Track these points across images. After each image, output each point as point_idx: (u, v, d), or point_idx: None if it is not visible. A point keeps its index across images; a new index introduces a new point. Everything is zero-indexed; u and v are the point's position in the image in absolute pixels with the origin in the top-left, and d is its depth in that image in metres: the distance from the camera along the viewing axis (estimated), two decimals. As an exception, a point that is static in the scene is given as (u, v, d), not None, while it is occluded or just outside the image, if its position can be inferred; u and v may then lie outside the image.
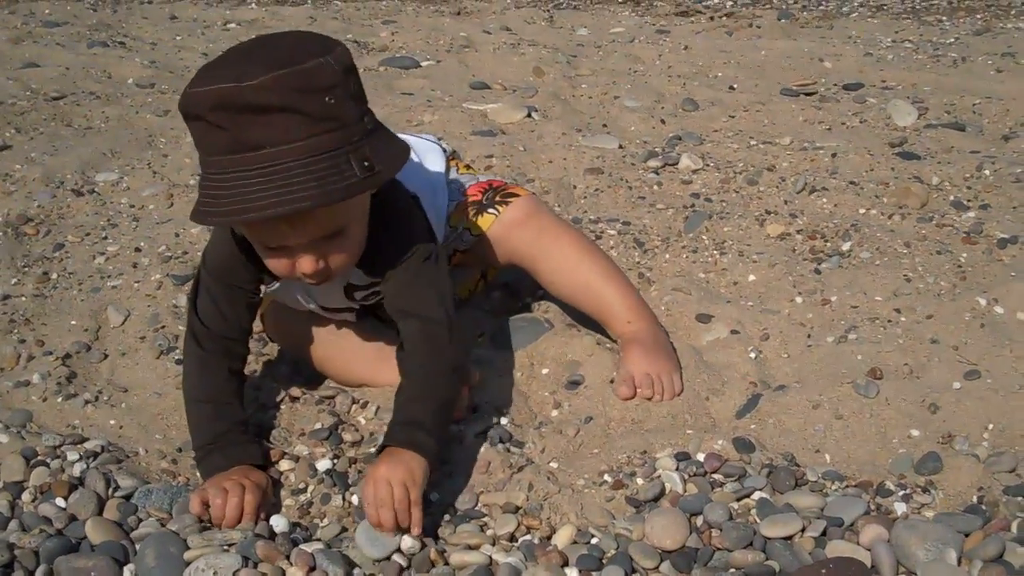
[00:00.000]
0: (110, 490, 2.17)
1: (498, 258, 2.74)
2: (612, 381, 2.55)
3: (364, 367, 2.60)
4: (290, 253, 2.14)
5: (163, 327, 2.87)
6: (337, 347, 2.62)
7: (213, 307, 2.34)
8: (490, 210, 2.69)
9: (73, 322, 2.88)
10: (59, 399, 2.54)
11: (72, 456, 2.26)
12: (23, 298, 3.01)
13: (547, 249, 2.67)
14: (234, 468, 2.21)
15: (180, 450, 2.39)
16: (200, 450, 2.28)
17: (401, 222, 2.34)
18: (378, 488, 1.99)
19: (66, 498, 2.12)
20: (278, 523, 2.07)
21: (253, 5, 8.01)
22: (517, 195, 2.72)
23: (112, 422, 2.48)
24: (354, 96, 2.07)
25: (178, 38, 6.45)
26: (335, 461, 2.30)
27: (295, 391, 2.59)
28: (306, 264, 2.14)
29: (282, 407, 2.52)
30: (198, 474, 2.28)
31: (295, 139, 1.96)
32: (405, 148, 2.20)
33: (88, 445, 2.31)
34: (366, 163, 2.04)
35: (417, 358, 2.26)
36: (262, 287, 2.39)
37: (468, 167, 2.93)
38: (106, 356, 2.76)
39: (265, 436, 2.40)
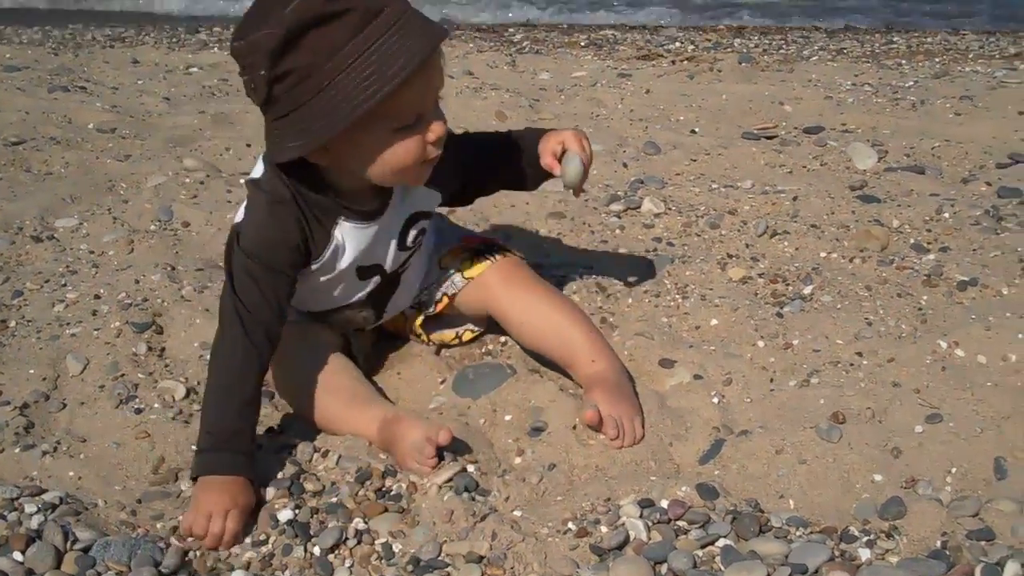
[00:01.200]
0: (68, 543, 2.14)
1: (478, 305, 2.89)
2: (575, 427, 2.54)
3: (349, 413, 2.59)
4: (420, 124, 2.33)
5: (122, 375, 2.84)
6: (332, 394, 2.63)
7: (255, 289, 2.42)
8: (486, 256, 2.87)
9: (32, 371, 2.84)
10: (17, 450, 2.51)
11: (30, 508, 2.23)
12: (-20, 347, 2.98)
13: (523, 297, 2.82)
14: (228, 479, 2.27)
15: (140, 501, 2.37)
16: (210, 436, 2.34)
17: None
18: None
19: (23, 551, 2.09)
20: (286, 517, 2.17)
21: (216, 49, 8.01)
22: (510, 252, 2.93)
23: (71, 473, 2.45)
24: None
25: (140, 82, 6.44)
26: (296, 511, 2.27)
27: (256, 439, 2.56)
28: (438, 126, 2.36)
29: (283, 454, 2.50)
30: (168, 506, 2.31)
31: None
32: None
33: (46, 497, 2.28)
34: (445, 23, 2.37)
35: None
36: (313, 262, 2.53)
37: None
38: (64, 405, 2.73)
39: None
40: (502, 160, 2.77)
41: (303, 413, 2.67)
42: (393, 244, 2.66)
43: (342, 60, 2.17)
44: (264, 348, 2.42)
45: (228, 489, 2.25)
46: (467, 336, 3.03)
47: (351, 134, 2.27)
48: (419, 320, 2.97)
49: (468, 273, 2.86)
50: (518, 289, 2.83)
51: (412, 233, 2.69)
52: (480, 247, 2.92)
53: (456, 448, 2.43)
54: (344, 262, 2.58)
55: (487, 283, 2.84)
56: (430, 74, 2.30)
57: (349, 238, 2.54)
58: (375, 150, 2.35)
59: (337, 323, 2.83)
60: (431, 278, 2.90)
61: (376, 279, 2.71)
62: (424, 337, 3.00)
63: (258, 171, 2.52)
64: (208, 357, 2.50)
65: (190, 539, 2.19)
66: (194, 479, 2.33)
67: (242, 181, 2.48)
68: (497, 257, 2.88)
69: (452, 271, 2.88)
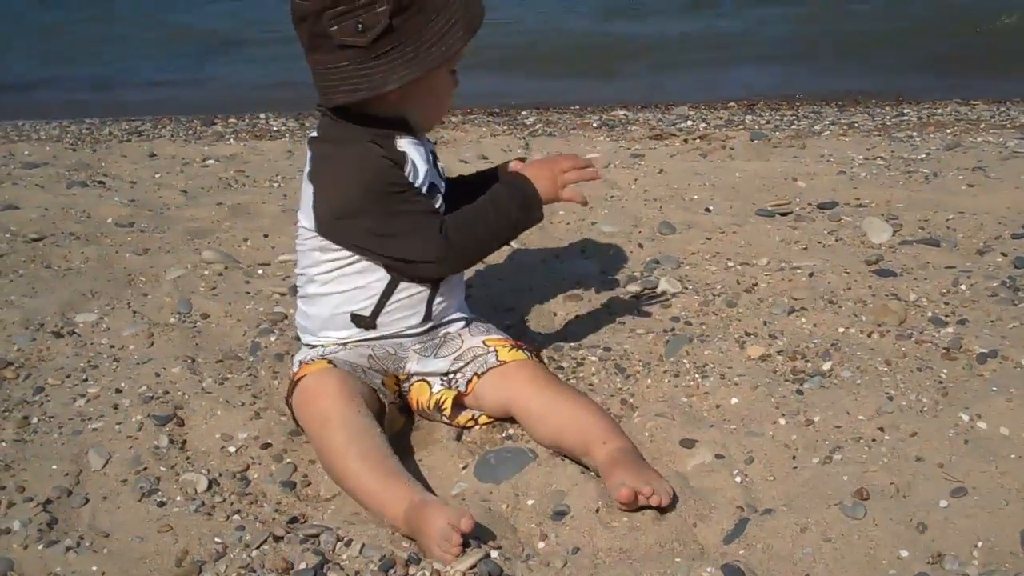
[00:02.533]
0: (92, 639, 2.14)
1: (499, 395, 2.98)
2: (598, 511, 2.54)
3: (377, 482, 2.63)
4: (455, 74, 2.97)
5: (144, 469, 2.84)
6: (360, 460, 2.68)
7: (418, 200, 2.91)
8: (524, 350, 3.08)
9: (54, 466, 2.85)
10: (40, 546, 2.51)
11: (53, 605, 2.23)
12: (3, 443, 2.98)
13: (544, 391, 2.92)
14: None
15: (163, 595, 2.37)
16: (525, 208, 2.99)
17: None
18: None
19: (48, 649, 2.09)
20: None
21: (232, 140, 8.09)
22: (537, 353, 3.22)
23: (94, 568, 2.45)
24: None
25: (157, 176, 6.50)
26: (321, 602, 2.27)
27: (278, 530, 2.56)
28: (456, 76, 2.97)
29: (266, 546, 2.49)
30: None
31: None
32: None
33: (70, 594, 2.29)
34: None
35: None
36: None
37: None
38: (87, 500, 2.73)
39: None
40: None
41: (335, 474, 2.73)
42: (437, 167, 3.07)
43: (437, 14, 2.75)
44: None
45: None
46: (483, 419, 3.05)
47: (437, 70, 2.81)
48: (451, 398, 3.01)
49: (503, 356, 3.01)
50: (542, 384, 2.94)
51: (440, 164, 3.13)
52: (515, 344, 3.11)
53: (479, 534, 2.43)
54: (420, 174, 2.94)
55: (516, 373, 2.98)
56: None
57: (410, 150, 2.94)
58: (439, 86, 2.92)
59: (390, 328, 3.04)
60: (472, 353, 3.06)
61: (439, 198, 3.02)
62: (448, 412, 3.03)
63: (313, 132, 3.05)
64: (230, 448, 2.57)
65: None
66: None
67: (309, 137, 3.02)
68: (533, 356, 3.09)
69: (491, 351, 3.04)
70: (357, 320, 3.00)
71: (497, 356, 3.02)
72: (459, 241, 2.88)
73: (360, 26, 2.68)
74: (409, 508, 2.49)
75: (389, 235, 2.85)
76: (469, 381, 3.00)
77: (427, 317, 3.05)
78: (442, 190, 3.04)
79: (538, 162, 3.06)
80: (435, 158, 3.09)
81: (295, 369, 3.00)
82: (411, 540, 2.46)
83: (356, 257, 2.92)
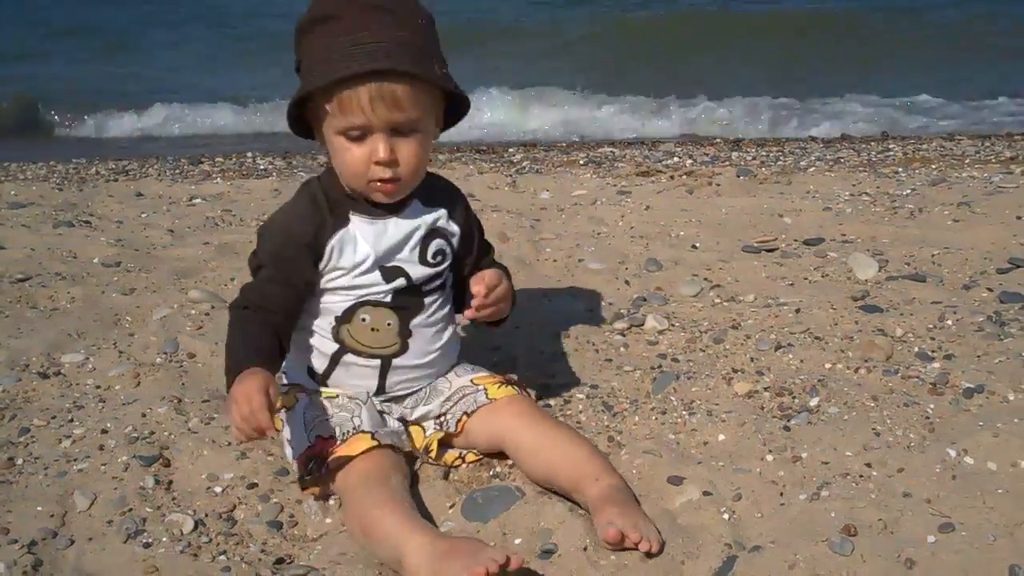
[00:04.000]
0: None
1: (488, 432, 2.98)
2: (586, 549, 2.53)
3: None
4: (371, 140, 2.71)
5: (130, 510, 2.83)
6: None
7: (271, 286, 2.87)
8: (514, 387, 3.08)
9: (39, 508, 2.84)
10: (25, 588, 2.50)
11: (38, 649, 2.22)
12: (-12, 485, 2.97)
13: (535, 428, 2.92)
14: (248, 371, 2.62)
15: (149, 637, 2.35)
16: (230, 375, 2.70)
17: (447, 183, 3.13)
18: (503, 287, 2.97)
19: None
20: None
21: (218, 180, 8.08)
22: (528, 391, 3.23)
23: (79, 610, 2.44)
24: (434, 39, 2.79)
25: (144, 215, 6.49)
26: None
27: (265, 571, 2.56)
28: (382, 148, 2.70)
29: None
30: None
31: (396, 29, 2.66)
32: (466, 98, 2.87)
33: (55, 637, 2.27)
34: (444, 71, 2.73)
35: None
36: (323, 253, 2.87)
37: None
38: (72, 542, 2.71)
39: None
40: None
41: (353, 511, 2.71)
42: (414, 253, 2.96)
43: (312, 44, 2.71)
44: (274, 316, 2.84)
45: (248, 374, 2.60)
46: (470, 457, 3.04)
47: (323, 123, 2.76)
48: (438, 437, 3.01)
49: (492, 394, 3.02)
50: (532, 420, 2.95)
51: (432, 248, 2.99)
52: (504, 381, 3.10)
53: None
54: (359, 252, 2.87)
55: (505, 408, 2.98)
56: (380, 96, 2.64)
57: (360, 231, 2.88)
58: (334, 148, 2.77)
59: (363, 339, 2.97)
60: (460, 392, 3.06)
61: (401, 280, 2.94)
62: (434, 454, 3.01)
63: None
64: (216, 488, 2.58)
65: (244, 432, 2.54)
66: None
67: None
68: (522, 392, 3.11)
69: (480, 389, 3.04)
70: (312, 374, 3.04)
71: (487, 394, 3.02)
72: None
73: None
74: (431, 539, 2.48)
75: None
76: (459, 420, 3.00)
77: (380, 388, 3.04)
78: (411, 276, 2.96)
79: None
80: (426, 243, 2.98)
81: (315, 438, 2.91)
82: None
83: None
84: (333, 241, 2.86)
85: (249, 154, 9.82)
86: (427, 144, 2.81)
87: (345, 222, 2.87)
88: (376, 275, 2.91)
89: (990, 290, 4.15)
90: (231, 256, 5.23)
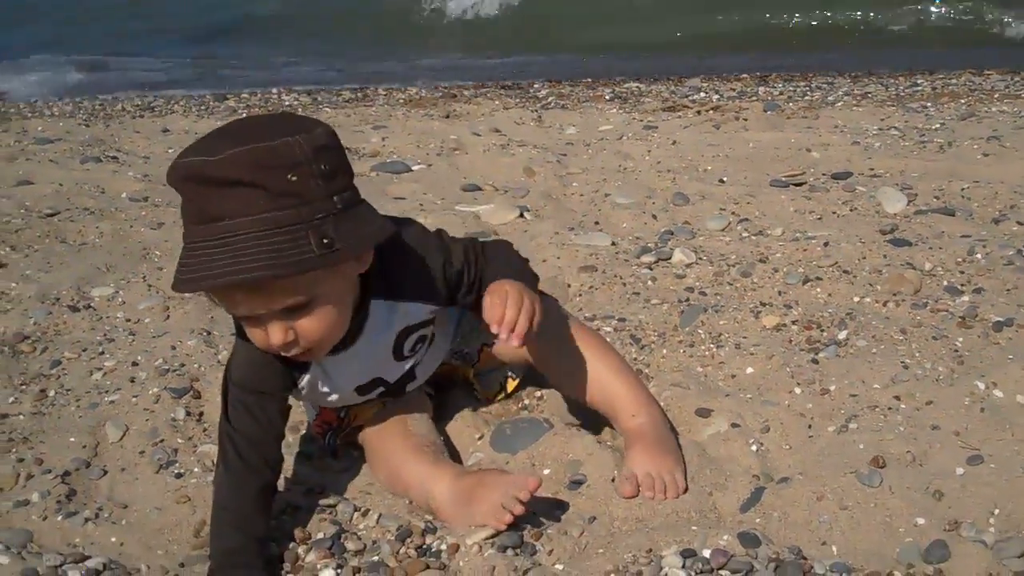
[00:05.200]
0: (112, 608, 2.15)
1: (514, 354, 2.83)
2: (614, 480, 2.54)
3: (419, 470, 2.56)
4: (261, 322, 2.21)
5: (162, 441, 2.85)
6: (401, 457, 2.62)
7: (247, 416, 2.40)
8: None
9: (72, 439, 2.86)
10: (59, 517, 2.52)
11: (73, 575, 2.24)
12: (21, 416, 3.00)
13: (563, 349, 2.73)
14: None
15: (182, 564, 2.38)
16: (212, 559, 2.31)
17: (410, 250, 2.49)
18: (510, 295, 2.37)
19: (69, 618, 2.11)
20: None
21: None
22: (542, 295, 2.72)
23: (113, 539, 2.46)
24: (324, 175, 2.11)
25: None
26: (339, 571, 2.28)
27: (296, 500, 2.57)
28: (274, 334, 2.21)
29: (284, 517, 2.51)
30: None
31: (253, 212, 2.04)
32: (381, 228, 2.25)
33: (89, 563, 2.30)
34: (325, 240, 2.08)
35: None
36: (296, 389, 2.50)
37: None
38: (105, 472, 2.74)
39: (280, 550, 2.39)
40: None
41: (378, 463, 2.69)
42: (389, 359, 2.59)
43: (186, 235, 2.12)
44: (260, 467, 2.40)
45: None
46: (511, 386, 3.01)
47: None
48: (470, 372, 2.98)
49: None
50: (555, 340, 2.74)
51: (408, 344, 2.60)
52: None
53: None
54: (330, 387, 2.56)
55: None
56: (253, 292, 2.13)
57: (329, 367, 2.50)
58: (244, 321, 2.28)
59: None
60: (467, 326, 2.88)
61: (380, 389, 2.68)
62: (477, 387, 3.00)
63: None
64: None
65: None
66: None
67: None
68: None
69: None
70: None
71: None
72: (215, 485, 2.43)
73: None
74: (455, 476, 2.48)
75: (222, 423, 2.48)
76: (480, 351, 2.94)
77: (401, 395, 2.81)
78: (390, 381, 2.67)
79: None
80: (400, 343, 2.58)
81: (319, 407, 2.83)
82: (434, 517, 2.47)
83: None
84: (303, 383, 2.51)
85: (274, 90, 9.79)
86: (334, 308, 2.28)
87: (306, 366, 2.48)
88: (353, 395, 2.66)
89: (1020, 224, 4.13)
90: (258, 191, 5.22)
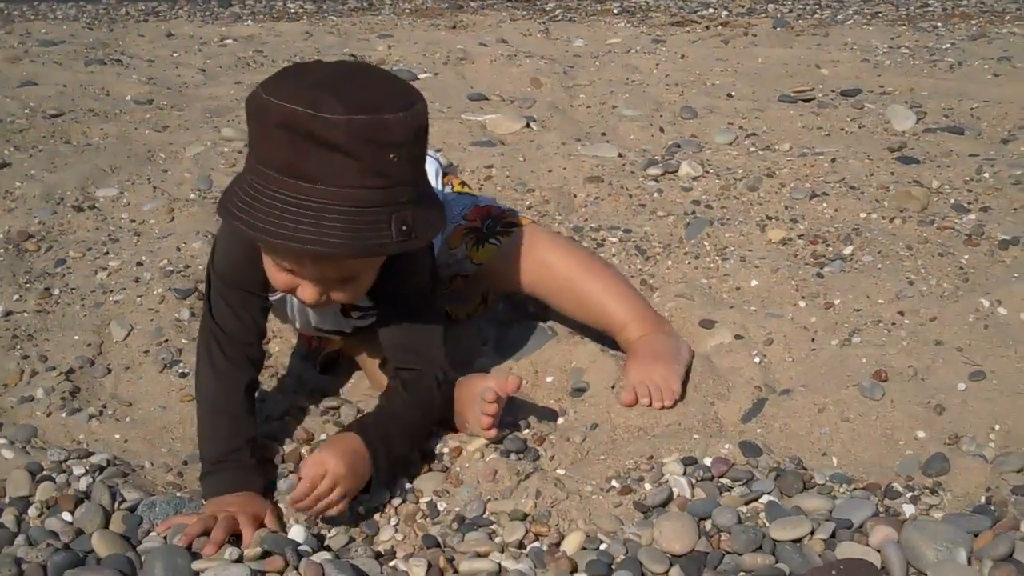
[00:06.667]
0: (116, 503, 2.16)
1: (500, 285, 2.80)
2: (614, 387, 2.55)
3: None
4: (297, 278, 2.13)
5: (166, 341, 2.86)
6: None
7: (228, 311, 2.32)
8: (491, 240, 2.68)
9: (76, 337, 2.87)
10: (63, 414, 2.53)
11: (78, 470, 2.25)
12: (25, 314, 3.00)
13: (548, 277, 2.67)
14: (235, 495, 2.20)
15: (186, 463, 2.39)
16: (207, 463, 2.27)
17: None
18: (314, 472, 2.07)
19: (72, 512, 2.12)
20: (297, 533, 2.06)
21: (249, 22, 8.02)
22: (516, 225, 2.71)
23: (117, 436, 2.48)
24: (416, 158, 2.05)
25: (175, 55, 6.45)
26: (341, 471, 2.29)
27: (300, 402, 2.59)
28: (307, 293, 2.14)
29: (287, 418, 2.52)
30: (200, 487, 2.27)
31: (343, 184, 1.94)
32: (442, 213, 2.19)
33: (93, 459, 2.30)
34: (404, 227, 2.02)
35: (406, 397, 2.31)
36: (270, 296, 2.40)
37: (463, 184, 2.96)
38: (109, 371, 2.75)
39: (270, 453, 2.40)
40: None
41: (373, 379, 2.67)
42: (340, 317, 2.52)
43: (258, 174, 2.00)
44: (244, 365, 2.35)
45: (235, 501, 2.18)
46: (492, 299, 2.96)
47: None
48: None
49: (477, 259, 2.69)
50: (538, 269, 2.67)
51: (356, 314, 2.52)
52: (485, 225, 2.71)
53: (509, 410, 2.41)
54: (292, 316, 2.52)
55: (499, 271, 2.69)
56: (317, 259, 2.07)
57: (293, 303, 2.45)
58: (266, 260, 2.19)
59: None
60: (439, 259, 2.65)
61: (336, 337, 2.66)
62: (449, 309, 2.85)
63: None
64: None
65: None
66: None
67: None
68: (502, 240, 2.68)
69: (460, 256, 2.71)
70: None
71: (472, 261, 2.70)
72: (198, 379, 2.39)
73: None
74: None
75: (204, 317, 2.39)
76: (452, 278, 2.78)
77: None
78: (347, 331, 2.61)
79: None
80: (362, 316, 2.51)
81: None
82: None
83: None
84: (275, 296, 2.40)
85: (280, -3, 9.73)
86: (369, 279, 2.23)
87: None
88: (311, 329, 2.60)
89: (1029, 144, 4.11)
90: (263, 96, 5.19)
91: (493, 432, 2.31)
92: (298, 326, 2.58)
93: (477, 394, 2.32)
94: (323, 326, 2.55)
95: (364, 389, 2.70)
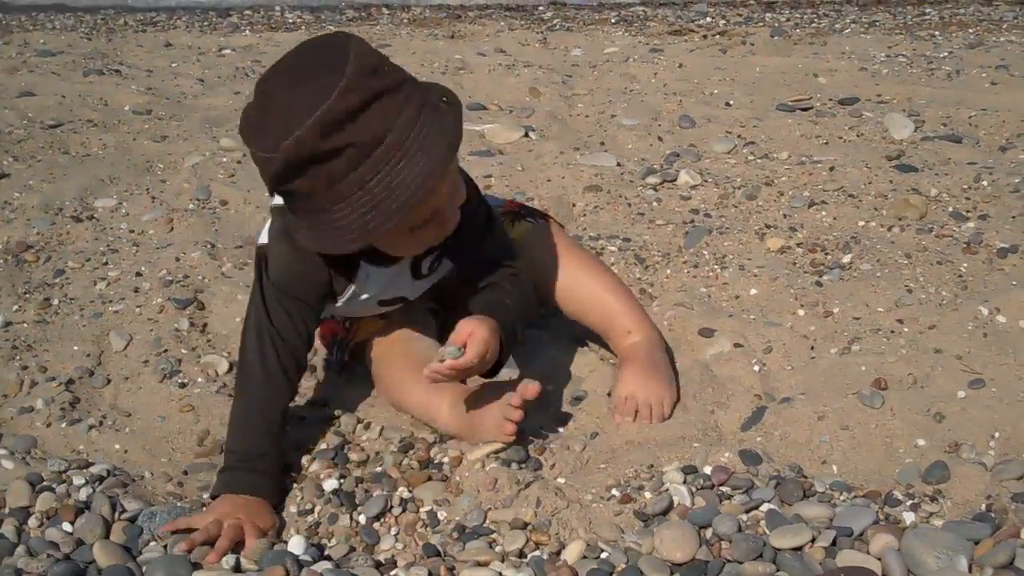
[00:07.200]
0: (116, 514, 2.16)
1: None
2: (610, 394, 2.56)
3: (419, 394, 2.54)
4: (434, 218, 2.21)
5: (165, 351, 2.86)
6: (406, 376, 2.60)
7: (286, 318, 2.36)
8: (528, 219, 2.82)
9: (75, 347, 2.87)
10: (63, 424, 2.53)
11: (78, 481, 2.25)
12: (25, 324, 3.00)
13: (565, 263, 2.75)
14: (248, 498, 2.21)
15: (186, 472, 2.39)
16: (233, 456, 2.29)
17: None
18: (483, 350, 2.26)
19: (72, 522, 2.11)
20: (295, 544, 2.06)
21: (247, 32, 8.04)
22: (550, 218, 2.89)
23: (117, 446, 2.48)
24: (384, 60, 2.14)
25: (173, 65, 6.46)
26: (342, 481, 2.29)
27: (300, 411, 2.59)
28: (452, 221, 2.26)
29: (288, 427, 2.52)
30: (214, 477, 2.29)
31: (395, 114, 2.04)
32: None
33: (93, 470, 2.31)
34: (444, 98, 2.14)
35: (509, 288, 2.51)
36: (338, 299, 2.48)
37: None
38: (109, 381, 2.75)
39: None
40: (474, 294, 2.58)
41: (383, 386, 2.68)
42: (409, 278, 2.56)
43: (342, 191, 2.05)
44: (293, 373, 2.39)
45: (246, 506, 2.19)
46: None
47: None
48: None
49: (513, 233, 2.76)
50: (558, 256, 2.77)
51: (426, 263, 2.56)
52: (522, 210, 2.88)
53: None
54: (366, 296, 2.54)
55: (528, 246, 2.75)
56: (440, 184, 2.14)
57: (372, 277, 2.48)
58: (392, 243, 2.28)
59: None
60: None
61: (399, 304, 2.67)
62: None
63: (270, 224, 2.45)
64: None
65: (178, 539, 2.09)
66: (213, 497, 2.27)
67: (271, 204, 2.36)
68: (539, 221, 2.84)
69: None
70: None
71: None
72: (238, 373, 2.43)
73: (264, 181, 2.21)
74: (458, 395, 2.46)
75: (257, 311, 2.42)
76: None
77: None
78: (410, 298, 2.65)
79: None
80: (418, 261, 2.54)
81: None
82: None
83: None
84: (348, 292, 2.48)
85: (277, 7, 9.73)
86: (457, 186, 2.31)
87: (355, 270, 2.44)
88: (375, 308, 2.64)
89: (1026, 152, 4.12)
90: (262, 106, 5.20)
91: (513, 437, 2.33)
92: (364, 301, 2.56)
93: (495, 401, 2.35)
94: (397, 294, 2.59)
95: (365, 399, 2.70)
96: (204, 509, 2.22)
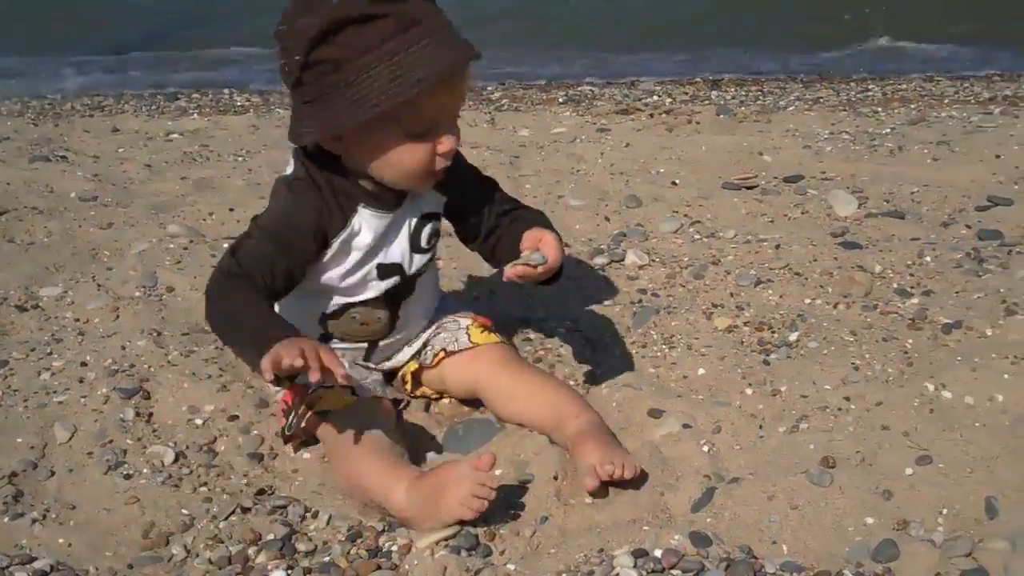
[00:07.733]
0: (60, 610, 2.13)
1: (466, 376, 2.92)
2: (556, 477, 2.55)
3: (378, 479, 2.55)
4: (432, 135, 2.49)
5: (111, 441, 2.82)
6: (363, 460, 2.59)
7: (259, 258, 2.54)
8: (496, 334, 2.98)
9: (19, 440, 2.83)
10: (6, 518, 2.49)
11: (20, 576, 2.22)
12: (-33, 417, 2.97)
13: (514, 373, 2.88)
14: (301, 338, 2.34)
15: (131, 566, 2.36)
16: (261, 333, 2.37)
17: None
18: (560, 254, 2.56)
19: (15, 620, 2.08)
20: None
21: (195, 115, 8.03)
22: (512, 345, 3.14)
23: (60, 540, 2.44)
24: None
25: (120, 150, 6.43)
26: (289, 572, 2.27)
27: (246, 501, 2.56)
28: (450, 139, 2.50)
29: (233, 518, 2.50)
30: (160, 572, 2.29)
31: (433, 12, 2.41)
32: None
33: (37, 565, 2.28)
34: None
35: (527, 213, 2.81)
36: (330, 242, 2.64)
37: None
38: (53, 473, 2.71)
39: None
40: (504, 224, 2.81)
41: (337, 462, 2.68)
42: (407, 243, 2.76)
43: (370, 60, 2.32)
44: (263, 290, 2.52)
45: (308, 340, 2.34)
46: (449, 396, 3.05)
47: (366, 130, 2.44)
48: (412, 369, 2.99)
49: (475, 338, 2.93)
50: (510, 367, 2.90)
51: (425, 233, 2.79)
52: (490, 328, 3.00)
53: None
54: (359, 250, 2.68)
55: (487, 355, 2.91)
56: (453, 88, 2.46)
57: (367, 225, 2.66)
58: (385, 149, 2.50)
59: (351, 331, 2.86)
60: (443, 322, 3.00)
61: (396, 279, 2.78)
62: (409, 387, 3.01)
63: (289, 168, 2.68)
64: (197, 421, 2.56)
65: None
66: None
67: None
68: (505, 341, 3.01)
69: (462, 329, 2.96)
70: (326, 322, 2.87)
71: (469, 337, 2.93)
72: (213, 306, 2.57)
73: (287, 69, 2.46)
74: (416, 477, 2.48)
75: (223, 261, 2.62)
76: (436, 355, 2.94)
77: (366, 359, 2.97)
78: (406, 271, 2.80)
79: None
80: (419, 229, 2.79)
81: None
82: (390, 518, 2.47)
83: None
84: (343, 233, 2.64)
85: (226, 90, 9.75)
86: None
87: (352, 213, 2.63)
88: (372, 274, 2.75)
89: (968, 227, 4.16)
90: (209, 191, 5.20)
91: (478, 514, 2.35)
92: (360, 263, 2.71)
93: (453, 478, 2.36)
94: (392, 259, 2.76)
95: (312, 487, 2.69)
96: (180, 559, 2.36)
